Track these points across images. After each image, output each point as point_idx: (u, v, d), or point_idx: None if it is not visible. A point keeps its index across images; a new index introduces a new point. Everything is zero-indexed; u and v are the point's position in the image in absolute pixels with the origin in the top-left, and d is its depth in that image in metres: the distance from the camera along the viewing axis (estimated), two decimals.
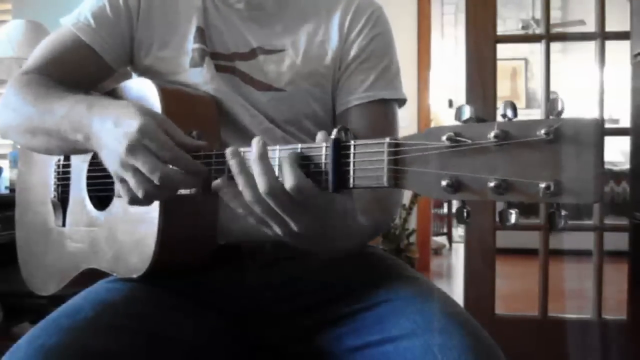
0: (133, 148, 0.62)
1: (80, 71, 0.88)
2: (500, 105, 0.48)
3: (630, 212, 1.77)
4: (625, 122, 1.89)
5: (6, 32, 2.22)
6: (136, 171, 0.63)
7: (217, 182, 0.60)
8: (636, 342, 1.78)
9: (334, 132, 0.56)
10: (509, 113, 0.47)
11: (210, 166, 0.64)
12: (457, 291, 2.60)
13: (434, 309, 0.70)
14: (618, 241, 1.95)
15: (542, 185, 0.45)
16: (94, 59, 0.87)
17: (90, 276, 0.84)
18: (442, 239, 5.07)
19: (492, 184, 0.46)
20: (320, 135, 0.59)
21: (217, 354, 0.78)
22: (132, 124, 0.63)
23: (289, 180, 0.56)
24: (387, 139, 0.52)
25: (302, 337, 0.79)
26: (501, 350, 0.67)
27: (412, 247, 3.60)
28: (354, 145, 0.54)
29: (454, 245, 5.08)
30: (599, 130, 0.44)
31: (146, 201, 0.66)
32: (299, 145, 0.58)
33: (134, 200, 0.66)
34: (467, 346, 0.64)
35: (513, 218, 0.49)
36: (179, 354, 0.73)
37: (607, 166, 2.34)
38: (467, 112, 0.49)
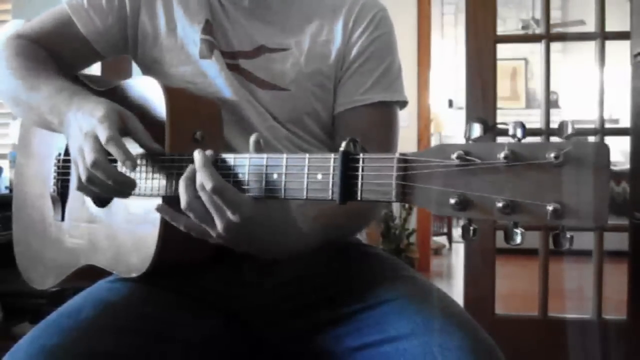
0: (88, 134, 0.70)
1: (65, 49, 0.91)
2: (509, 125, 0.48)
3: (630, 212, 1.77)
4: (625, 122, 1.89)
5: (6, 32, 2.21)
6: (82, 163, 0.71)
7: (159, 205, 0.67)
8: (636, 342, 1.78)
9: (343, 144, 0.56)
10: (519, 133, 0.48)
11: (172, 170, 0.70)
12: (457, 291, 2.60)
13: (434, 309, 0.70)
14: (618, 241, 1.95)
15: (550, 207, 0.45)
16: (80, 40, 0.90)
17: (90, 274, 0.84)
18: (442, 239, 5.07)
19: (499, 204, 0.47)
20: (252, 138, 0.64)
21: (217, 353, 0.78)
22: (95, 114, 0.71)
23: (207, 183, 0.61)
24: (397, 154, 0.53)
25: (302, 337, 0.79)
26: (501, 350, 0.67)
27: (412, 247, 3.60)
28: (363, 159, 0.55)
29: (454, 245, 5.08)
30: (606, 155, 0.45)
31: (89, 188, 0.72)
32: (307, 155, 0.59)
33: (79, 187, 0.74)
34: (467, 346, 0.64)
35: (519, 238, 0.50)
36: (179, 354, 0.73)
37: None
38: (477, 130, 0.49)
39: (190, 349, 0.75)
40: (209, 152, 0.64)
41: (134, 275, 0.77)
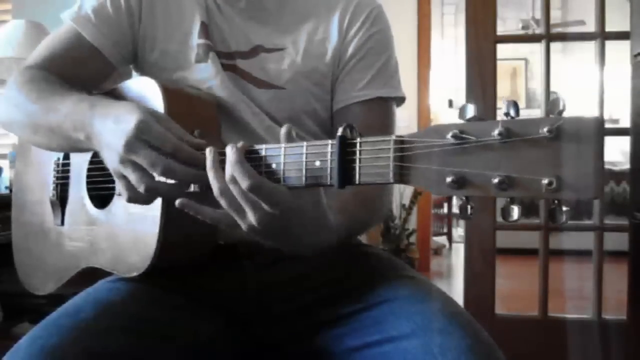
0: (132, 143, 0.63)
1: (80, 67, 0.88)
2: (503, 104, 0.49)
3: (630, 212, 1.77)
4: (625, 122, 1.89)
5: (6, 32, 2.22)
6: (136, 166, 0.64)
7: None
8: (636, 342, 1.78)
9: (340, 129, 0.56)
10: (512, 112, 0.48)
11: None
12: (457, 291, 2.60)
13: (434, 309, 0.70)
14: (618, 241, 1.95)
15: (545, 181, 0.46)
16: (94, 54, 0.88)
17: (91, 276, 0.84)
18: (442, 239, 5.07)
19: (495, 180, 0.47)
20: (283, 129, 0.61)
21: (217, 354, 0.78)
22: (130, 119, 0.64)
23: (243, 182, 0.58)
24: (393, 136, 0.53)
25: (302, 337, 0.79)
26: (501, 350, 0.67)
27: (412, 247, 3.60)
28: (360, 143, 0.55)
29: (454, 245, 5.09)
30: (600, 128, 0.45)
31: (147, 197, 0.67)
32: (304, 143, 0.59)
33: (133, 198, 0.67)
34: (467, 346, 0.64)
35: (515, 214, 0.50)
36: (179, 354, 0.73)
37: (607, 166, 2.34)
38: (470, 111, 0.50)
39: (190, 350, 0.75)
40: (240, 145, 0.61)
41: (134, 274, 0.77)
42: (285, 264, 0.82)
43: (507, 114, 0.48)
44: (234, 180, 0.59)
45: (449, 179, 0.49)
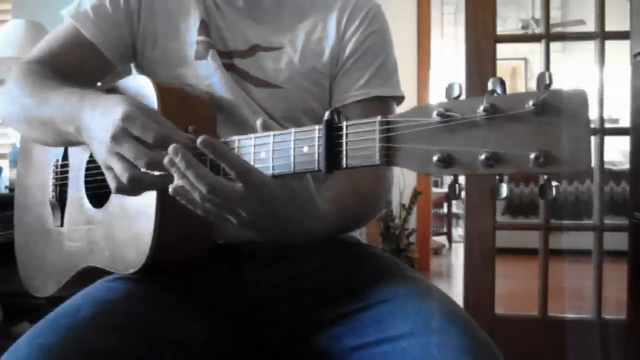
0: (117, 135, 0.65)
1: (79, 64, 0.89)
2: (490, 81, 0.48)
3: (630, 212, 1.77)
4: (625, 122, 1.89)
5: (6, 32, 2.22)
6: (121, 158, 0.65)
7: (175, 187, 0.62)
8: (636, 342, 1.78)
9: (327, 114, 0.56)
10: (499, 89, 0.48)
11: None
12: (457, 291, 2.60)
13: (433, 309, 0.70)
14: (618, 241, 1.95)
15: (532, 156, 0.45)
16: (92, 52, 0.89)
17: (90, 276, 0.84)
18: (442, 239, 5.07)
19: (482, 158, 0.47)
20: (259, 122, 0.63)
21: (216, 354, 0.78)
22: (117, 112, 0.65)
23: (201, 187, 0.59)
24: (379, 118, 0.53)
25: (301, 337, 0.79)
26: (501, 350, 0.67)
27: (412, 247, 3.60)
28: (347, 126, 0.55)
29: (454, 245, 5.08)
30: (585, 101, 0.45)
31: (132, 188, 0.67)
32: (293, 130, 0.59)
33: (119, 189, 0.68)
34: (466, 346, 0.64)
35: (504, 191, 0.49)
36: (178, 353, 0.73)
37: (607, 166, 2.34)
38: (456, 90, 0.49)
39: (189, 349, 0.74)
40: (202, 139, 0.60)
41: (131, 271, 0.77)
42: (285, 264, 0.82)
43: (493, 91, 0.48)
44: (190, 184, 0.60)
45: (435, 158, 0.49)
